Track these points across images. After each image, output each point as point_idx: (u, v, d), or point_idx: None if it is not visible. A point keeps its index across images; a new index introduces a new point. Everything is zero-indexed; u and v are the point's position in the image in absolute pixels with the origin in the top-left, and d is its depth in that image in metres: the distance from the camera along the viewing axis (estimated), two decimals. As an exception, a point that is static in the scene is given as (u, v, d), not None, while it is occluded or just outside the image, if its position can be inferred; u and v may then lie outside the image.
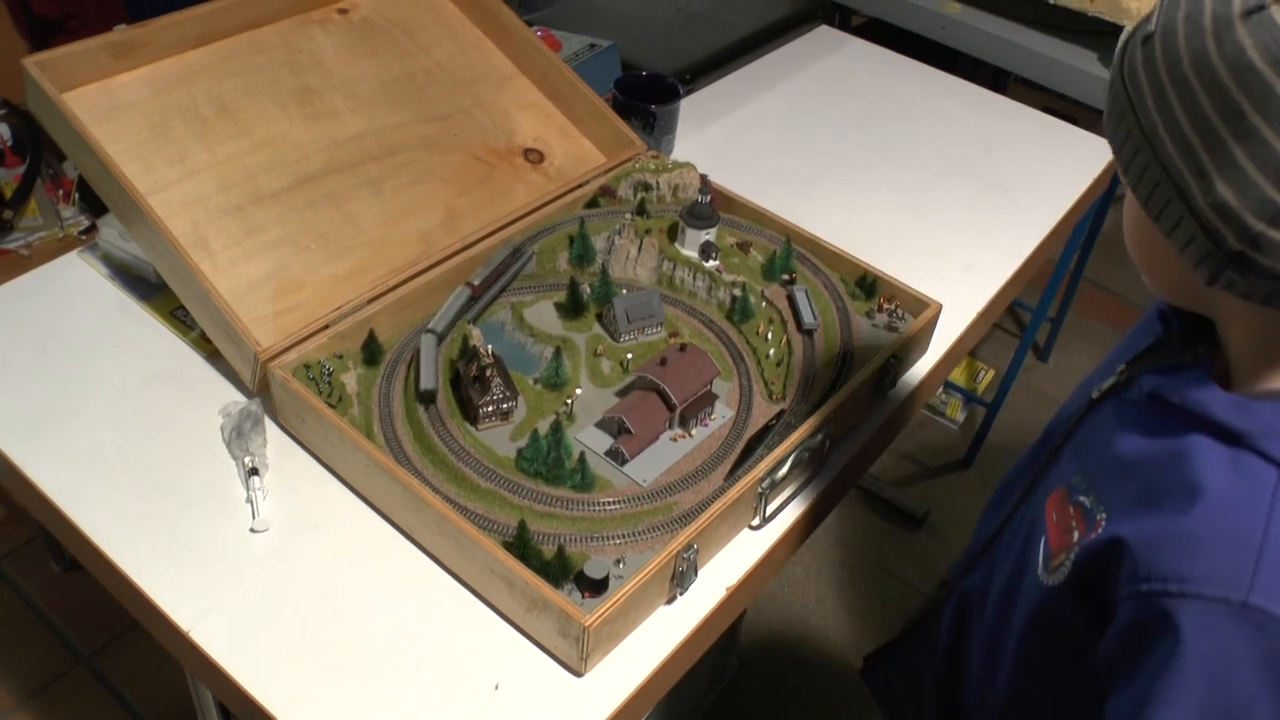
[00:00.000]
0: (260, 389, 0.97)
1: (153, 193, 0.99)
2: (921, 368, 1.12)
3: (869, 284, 1.11)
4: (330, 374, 0.94)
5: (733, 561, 0.91)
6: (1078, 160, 1.47)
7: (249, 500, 0.90)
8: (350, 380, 0.95)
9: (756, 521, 0.92)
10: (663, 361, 0.93)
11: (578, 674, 0.81)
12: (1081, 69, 1.62)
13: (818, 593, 1.96)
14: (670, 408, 0.92)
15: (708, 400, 0.95)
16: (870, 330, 1.08)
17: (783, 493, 0.95)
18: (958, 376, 2.33)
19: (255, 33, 1.16)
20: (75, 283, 1.10)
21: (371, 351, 0.98)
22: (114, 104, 1.03)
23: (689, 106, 1.49)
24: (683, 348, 0.95)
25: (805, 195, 1.34)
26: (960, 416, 2.30)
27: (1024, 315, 2.55)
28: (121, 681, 1.67)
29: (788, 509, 0.95)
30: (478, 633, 0.83)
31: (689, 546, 0.83)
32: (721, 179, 1.23)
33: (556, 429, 0.89)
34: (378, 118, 1.18)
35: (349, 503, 0.92)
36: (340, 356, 0.97)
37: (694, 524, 0.84)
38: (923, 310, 1.08)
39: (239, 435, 0.95)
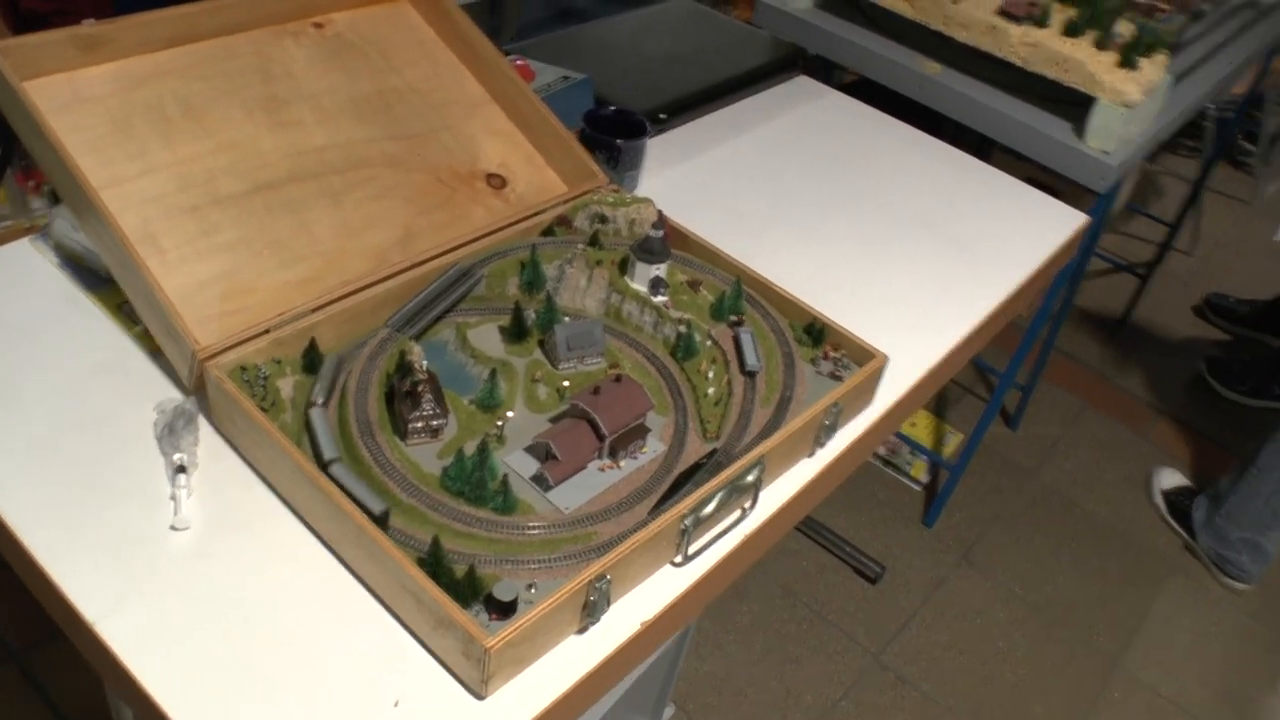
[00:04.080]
0: (197, 388, 0.97)
1: (106, 186, 1.00)
2: (865, 419, 1.12)
3: (817, 331, 1.11)
4: (266, 378, 0.94)
5: (651, 596, 0.90)
6: (1045, 226, 1.48)
7: (173, 497, 0.90)
8: (286, 386, 0.95)
9: (679, 559, 0.92)
10: (596, 391, 0.93)
11: (479, 696, 0.80)
12: (1056, 139, 1.64)
13: (763, 642, 1.95)
14: (600, 437, 0.92)
15: (639, 433, 0.95)
16: (814, 377, 1.08)
17: (708, 532, 0.94)
18: (924, 437, 2.33)
19: (228, 39, 1.17)
20: (24, 268, 1.10)
21: (311, 360, 0.98)
22: (77, 96, 1.04)
23: (660, 144, 1.51)
24: (618, 379, 0.95)
25: (765, 239, 1.35)
26: (924, 478, 2.30)
27: (994, 380, 2.56)
28: (50, 681, 1.65)
29: (714, 549, 0.95)
30: (385, 648, 0.83)
31: (601, 577, 0.82)
32: (683, 218, 1.24)
33: (483, 450, 0.88)
34: (344, 131, 1.19)
35: (273, 508, 0.92)
36: (279, 362, 0.97)
37: (610, 554, 0.83)
38: (868, 360, 1.09)
39: (171, 432, 0.94)
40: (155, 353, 1.02)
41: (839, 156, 1.55)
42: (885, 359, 1.08)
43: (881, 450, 2.34)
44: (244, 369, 0.94)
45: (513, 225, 1.19)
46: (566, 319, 1.06)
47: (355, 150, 1.18)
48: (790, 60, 1.73)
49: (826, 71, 1.89)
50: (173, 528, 0.88)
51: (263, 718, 0.77)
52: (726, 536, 0.96)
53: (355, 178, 1.16)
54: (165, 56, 1.12)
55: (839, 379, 1.08)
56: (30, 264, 1.11)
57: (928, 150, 1.61)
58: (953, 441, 2.34)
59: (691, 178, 1.46)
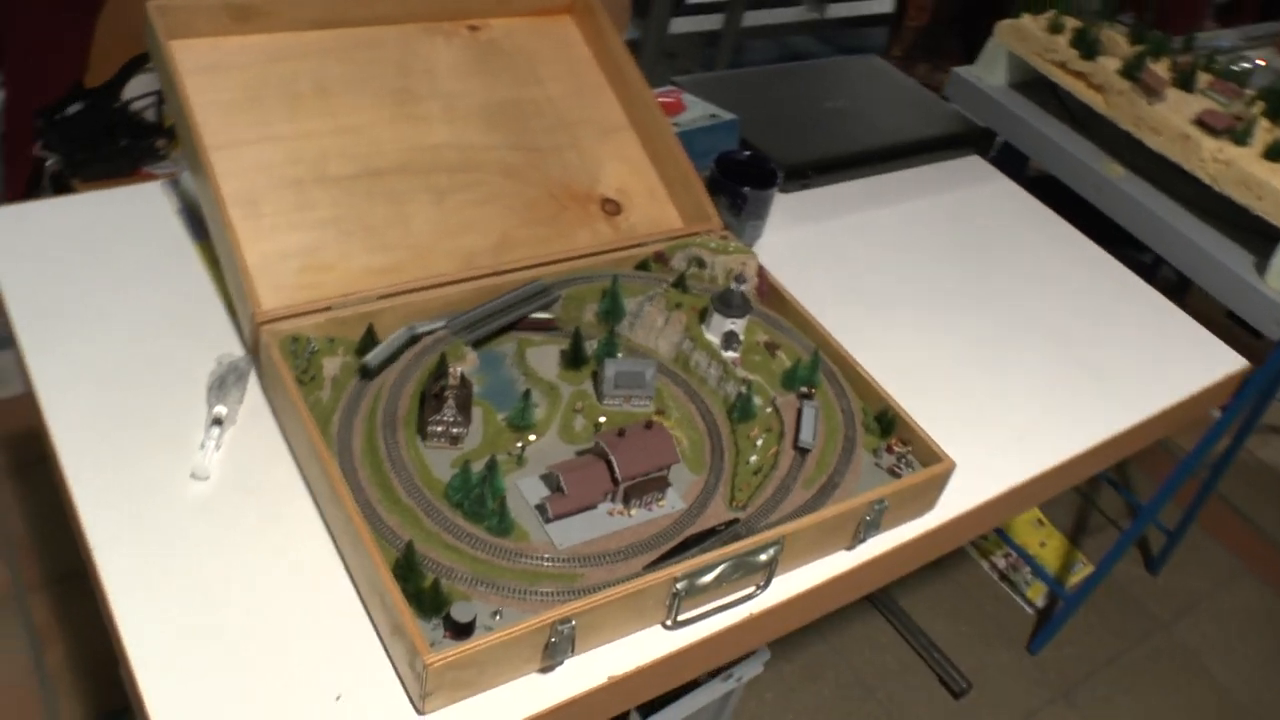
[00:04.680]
0: (253, 350, 1.00)
1: (222, 147, 1.05)
2: (921, 524, 1.04)
3: (888, 420, 1.05)
4: (314, 353, 0.96)
5: (630, 652, 0.86)
6: (1195, 364, 1.34)
7: (202, 446, 0.93)
8: (333, 365, 0.97)
9: (669, 622, 0.88)
10: (621, 433, 0.91)
11: (419, 711, 0.79)
12: (1233, 270, 1.49)
13: (824, 732, 1.85)
14: (614, 481, 0.89)
15: (658, 485, 0.92)
16: (870, 468, 1.02)
17: (710, 602, 0.90)
18: (1050, 560, 2.17)
19: (378, 29, 1.21)
20: (148, 208, 1.17)
21: (366, 344, 1.00)
22: (219, 61, 1.10)
23: (800, 199, 1.46)
24: (649, 425, 0.92)
25: (875, 317, 1.28)
26: (1040, 602, 2.14)
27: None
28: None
29: (712, 620, 0.90)
30: (349, 641, 0.82)
31: (566, 620, 0.79)
32: (795, 279, 1.20)
33: (491, 467, 0.87)
34: (467, 134, 1.21)
35: (290, 480, 0.93)
36: (332, 340, 0.98)
37: (583, 600, 0.80)
38: (934, 463, 1.01)
39: (221, 385, 0.98)
40: (232, 309, 1.07)
41: (987, 248, 1.46)
42: (952, 466, 1.01)
43: (1000, 563, 2.19)
44: (296, 340, 0.96)
45: (613, 252, 1.18)
46: (621, 355, 1.03)
47: (474, 154, 1.20)
48: (967, 137, 1.65)
49: (1012, 160, 1.79)
50: (192, 475, 0.91)
51: (213, 677, 0.78)
52: (730, 611, 0.91)
53: (465, 179, 1.18)
54: (312, 37, 1.17)
55: (896, 474, 1.01)
56: (155, 205, 1.18)
57: (1087, 261, 1.49)
58: (1081, 572, 2.16)
59: (821, 240, 1.41)
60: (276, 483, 0.93)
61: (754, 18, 3.01)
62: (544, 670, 0.83)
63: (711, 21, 2.86)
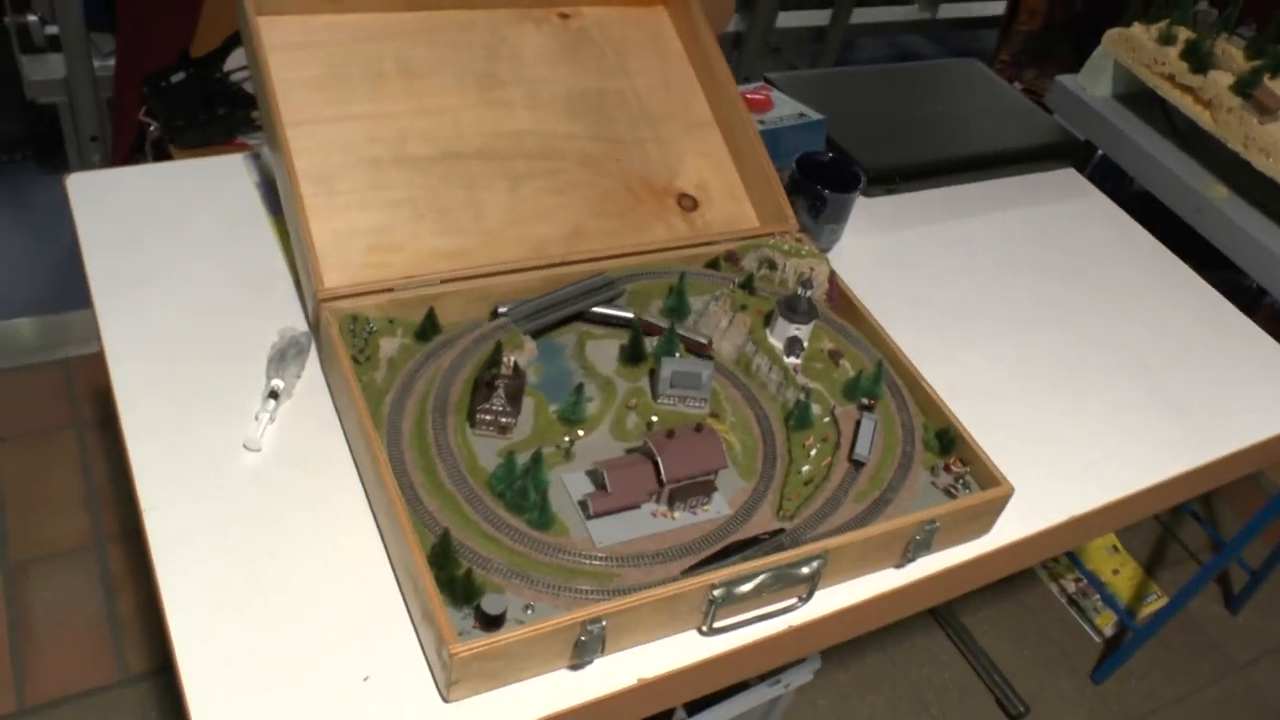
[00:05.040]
0: (315, 326, 1.01)
1: (301, 124, 1.06)
2: (976, 547, 1.01)
3: (949, 439, 1.02)
4: (372, 333, 0.97)
5: (663, 656, 0.85)
6: (1285, 401, 1.28)
7: (257, 418, 0.95)
8: (390, 346, 0.98)
9: (705, 628, 0.87)
10: (670, 434, 0.89)
11: (444, 699, 0.79)
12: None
13: (872, 745, 1.82)
14: (660, 482, 0.88)
15: (704, 489, 0.90)
16: (926, 486, 0.99)
17: (750, 610, 0.88)
18: (1123, 589, 2.10)
19: (469, 12, 1.21)
20: (229, 178, 1.19)
21: (425, 328, 1.01)
22: (307, 39, 1.11)
23: (883, 205, 1.43)
24: (698, 428, 0.91)
25: (948, 332, 1.25)
26: (1109, 631, 2.07)
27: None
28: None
29: (751, 629, 0.88)
30: (383, 623, 0.83)
31: (597, 620, 0.79)
32: (869, 287, 1.18)
33: (536, 460, 0.87)
34: (549, 122, 1.20)
35: (340, 458, 0.94)
36: (392, 321, 0.99)
37: (615, 601, 0.80)
38: (991, 486, 0.98)
39: (281, 359, 0.99)
40: (300, 284, 1.08)
41: (1074, 266, 1.41)
42: (1010, 491, 0.97)
43: (1071, 587, 2.12)
44: (355, 319, 0.97)
45: (685, 249, 1.17)
46: (678, 355, 1.02)
47: (553, 142, 1.20)
48: (1064, 149, 1.59)
49: (1112, 175, 1.72)
50: (245, 446, 0.93)
51: (246, 645, 0.79)
52: (770, 621, 0.90)
53: (543, 167, 1.17)
54: (402, 17, 1.18)
55: (952, 495, 0.98)
56: (237, 177, 1.20)
57: (1179, 285, 1.43)
58: (1154, 604, 2.08)
59: (901, 248, 1.37)
60: (327, 459, 0.94)
61: (863, 15, 2.95)
62: (573, 667, 0.83)
63: (819, 17, 2.82)
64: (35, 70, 1.98)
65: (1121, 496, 1.10)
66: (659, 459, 0.88)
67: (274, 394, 0.96)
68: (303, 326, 1.04)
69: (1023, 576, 2.15)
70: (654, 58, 1.32)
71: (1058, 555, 2.12)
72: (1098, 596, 2.07)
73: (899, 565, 0.97)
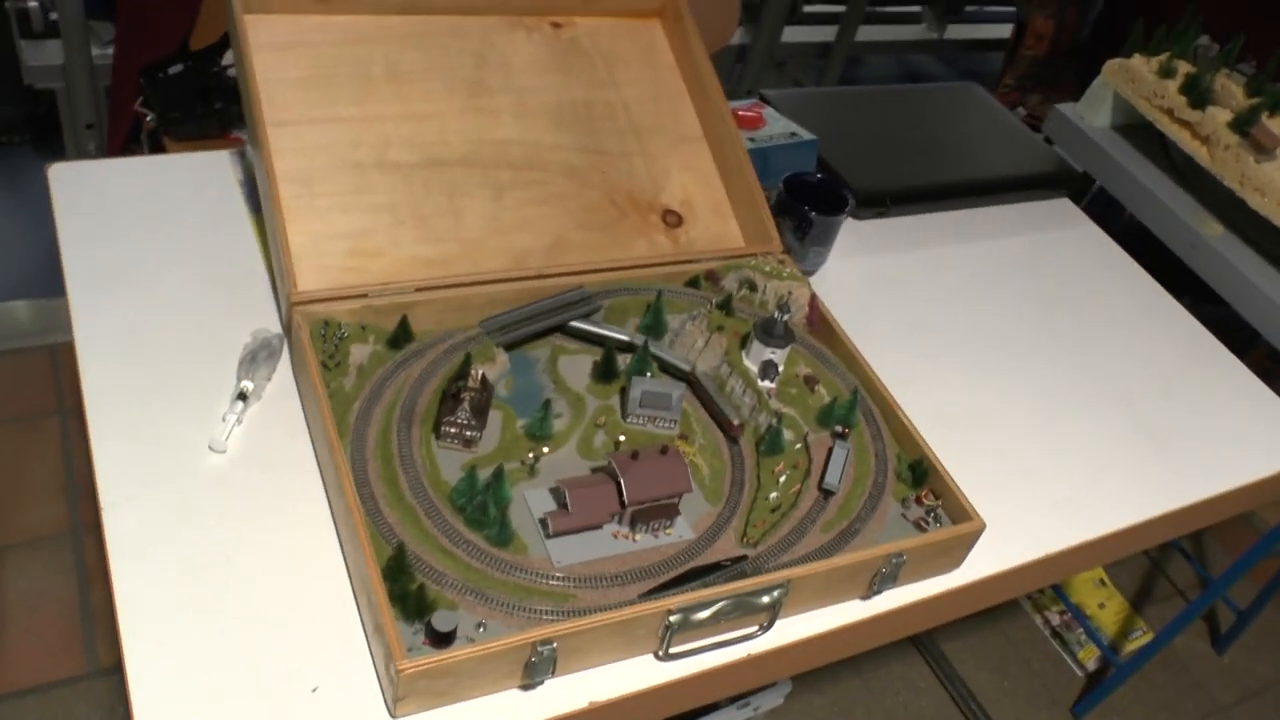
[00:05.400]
0: (288, 329, 1.00)
1: (282, 124, 1.06)
2: (945, 582, 0.99)
3: (922, 470, 1.00)
4: (343, 338, 0.96)
5: (617, 679, 0.84)
6: (1274, 444, 1.27)
7: (224, 419, 0.94)
8: (361, 353, 0.97)
9: (661, 653, 0.85)
10: (634, 455, 0.88)
11: (392, 715, 0.78)
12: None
13: (844, 771, 1.81)
14: (622, 503, 0.87)
15: (667, 512, 0.89)
16: (895, 518, 0.98)
17: (708, 637, 0.87)
18: (1108, 623, 2.08)
19: (460, 19, 1.21)
20: (215, 175, 1.19)
21: (398, 336, 1.00)
22: (295, 39, 1.11)
23: (872, 229, 1.42)
24: (664, 450, 0.90)
25: (932, 359, 1.24)
26: (1091, 665, 2.05)
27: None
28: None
29: (709, 656, 0.87)
30: (336, 635, 0.82)
31: (547, 641, 0.78)
32: (852, 312, 1.17)
33: (498, 475, 0.86)
34: (535, 132, 1.19)
35: (306, 464, 0.93)
36: (364, 328, 0.98)
37: (569, 622, 0.79)
38: (963, 521, 0.97)
39: (252, 360, 0.99)
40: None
41: (1063, 297, 1.40)
42: (981, 526, 0.96)
43: (1055, 619, 2.11)
44: (327, 324, 0.96)
45: (666, 265, 1.16)
46: (649, 375, 1.01)
47: (539, 152, 1.19)
48: (1059, 179, 1.58)
49: (1109, 207, 1.71)
50: (210, 447, 0.92)
51: (196, 649, 0.78)
52: (729, 649, 0.88)
53: (526, 177, 1.17)
54: (394, 21, 1.17)
55: (922, 529, 0.97)
56: (221, 173, 1.20)
57: (1170, 322, 1.41)
58: (1139, 639, 2.06)
59: (888, 273, 1.36)
60: (292, 465, 0.93)
61: (870, 33, 2.94)
62: (524, 687, 0.82)
63: (825, 33, 2.81)
64: (34, 55, 1.98)
65: (1098, 536, 1.09)
66: (621, 480, 0.87)
67: (243, 396, 0.96)
68: (277, 329, 1.03)
69: (1006, 606, 2.14)
70: (645, 70, 1.31)
71: (1042, 587, 2.10)
72: (1081, 630, 2.06)
73: (865, 597, 0.96)
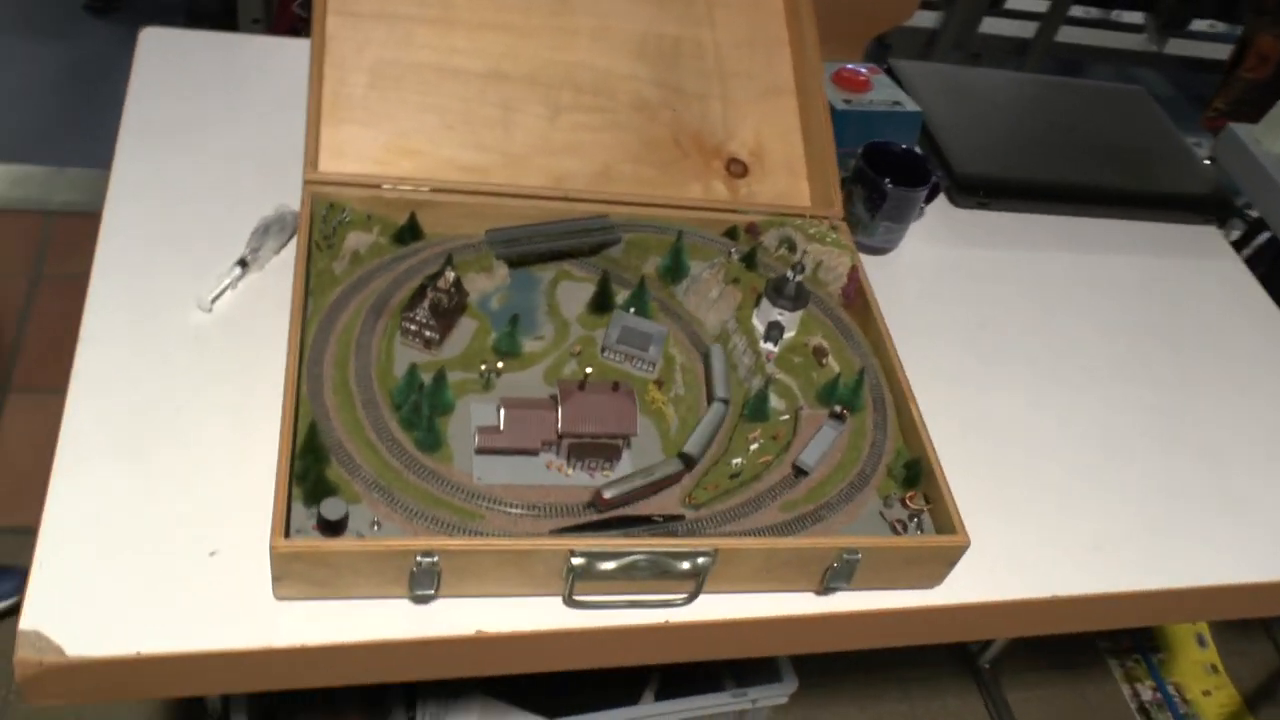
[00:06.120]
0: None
1: (345, 14, 1.05)
2: (918, 598, 0.90)
3: (915, 471, 0.91)
4: (343, 223, 0.95)
5: (513, 614, 0.80)
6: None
7: (218, 281, 0.95)
8: (360, 241, 0.96)
9: (564, 597, 0.81)
10: (581, 386, 0.84)
11: (273, 593, 0.77)
12: None
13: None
14: (558, 433, 0.83)
15: (607, 452, 0.84)
16: (872, 514, 0.89)
17: (611, 592, 0.81)
18: (1211, 715, 1.87)
19: (563, -68, 1.17)
20: (299, 63, 1.19)
21: (404, 233, 0.98)
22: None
23: (973, 218, 1.31)
24: (615, 386, 0.84)
25: (997, 364, 1.12)
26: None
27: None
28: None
29: (623, 614, 0.82)
30: (250, 505, 0.81)
31: (428, 553, 0.74)
32: (919, 301, 1.09)
33: (438, 379, 0.83)
34: (610, 58, 1.15)
35: (282, 339, 0.93)
36: (370, 217, 0.97)
37: (453, 540, 0.75)
38: (946, 534, 0.87)
39: (264, 232, 1.00)
40: (314, 166, 1.08)
41: (1170, 329, 1.23)
42: (964, 543, 0.86)
43: (1146, 694, 1.91)
44: (332, 206, 0.96)
45: (715, 211, 1.10)
46: (632, 310, 0.95)
47: (609, 80, 1.14)
48: (1209, 204, 1.40)
49: (1270, 244, 1.51)
50: (197, 304, 0.93)
51: (118, 490, 0.80)
52: (645, 611, 0.83)
53: (589, 102, 1.12)
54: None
55: (897, 532, 0.88)
56: (304, 62, 1.21)
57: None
58: (1218, 696, 1.84)
59: (972, 266, 1.24)
60: (268, 338, 0.93)
61: (1080, 35, 2.72)
62: (416, 600, 0.79)
63: (1027, 29, 2.61)
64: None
65: (1124, 591, 0.96)
66: (559, 408, 0.82)
67: (242, 262, 0.97)
68: (297, 207, 1.04)
69: (1092, 663, 1.95)
70: (747, 12, 1.23)
71: (1136, 657, 1.92)
72: (1173, 716, 1.86)
73: (818, 592, 0.88)
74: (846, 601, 0.88)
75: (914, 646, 0.96)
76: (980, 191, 1.28)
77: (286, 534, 0.74)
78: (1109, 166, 1.40)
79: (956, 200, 1.30)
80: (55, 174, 2.18)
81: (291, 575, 0.75)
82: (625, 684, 1.44)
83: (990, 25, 2.55)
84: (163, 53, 1.17)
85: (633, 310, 0.95)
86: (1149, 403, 1.14)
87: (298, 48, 1.24)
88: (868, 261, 1.18)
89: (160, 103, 1.11)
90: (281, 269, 0.99)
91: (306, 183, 0.97)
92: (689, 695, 1.38)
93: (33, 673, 0.71)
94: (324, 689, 1.33)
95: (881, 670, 1.83)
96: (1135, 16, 2.96)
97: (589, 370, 0.90)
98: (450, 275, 0.88)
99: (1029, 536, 0.97)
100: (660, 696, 1.43)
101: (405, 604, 0.79)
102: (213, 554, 0.79)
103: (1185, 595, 0.99)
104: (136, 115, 1.09)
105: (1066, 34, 2.69)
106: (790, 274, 0.94)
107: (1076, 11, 2.85)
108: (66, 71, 2.32)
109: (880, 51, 2.48)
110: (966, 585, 0.91)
